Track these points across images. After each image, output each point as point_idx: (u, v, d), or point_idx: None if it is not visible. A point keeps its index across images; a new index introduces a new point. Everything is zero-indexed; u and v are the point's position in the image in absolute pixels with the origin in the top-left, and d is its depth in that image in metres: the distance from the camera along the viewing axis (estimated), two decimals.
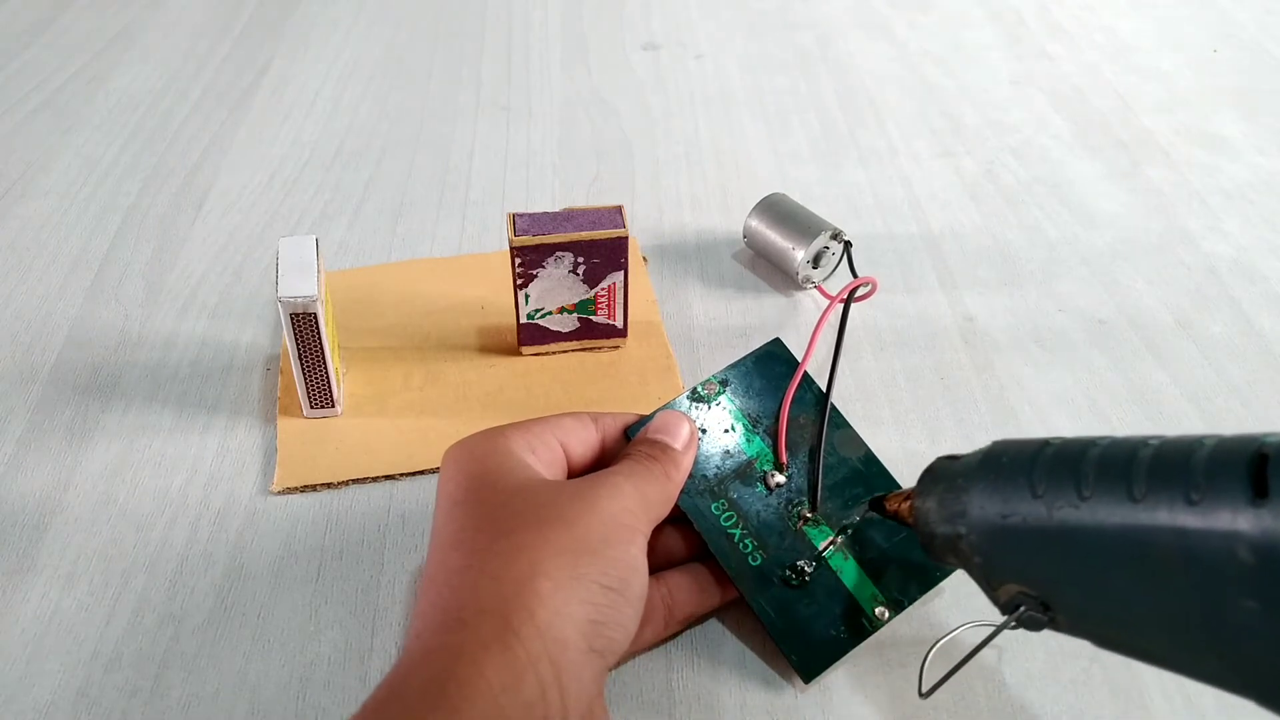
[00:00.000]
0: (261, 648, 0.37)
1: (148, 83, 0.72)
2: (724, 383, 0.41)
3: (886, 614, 0.37)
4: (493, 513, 0.32)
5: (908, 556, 0.38)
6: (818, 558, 0.37)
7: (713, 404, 0.40)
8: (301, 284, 0.42)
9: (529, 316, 0.48)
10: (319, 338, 0.43)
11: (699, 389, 0.40)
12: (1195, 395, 0.48)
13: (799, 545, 0.38)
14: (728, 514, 0.38)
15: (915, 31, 0.80)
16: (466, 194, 0.61)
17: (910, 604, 0.37)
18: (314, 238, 0.44)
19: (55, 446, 0.45)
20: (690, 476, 0.37)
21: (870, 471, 0.40)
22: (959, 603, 0.39)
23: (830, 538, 0.38)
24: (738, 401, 0.40)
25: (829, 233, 0.52)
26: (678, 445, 0.36)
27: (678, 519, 0.38)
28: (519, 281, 0.46)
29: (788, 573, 0.37)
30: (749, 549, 0.37)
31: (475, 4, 0.84)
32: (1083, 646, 0.37)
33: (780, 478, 0.39)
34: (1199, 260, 0.56)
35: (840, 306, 0.48)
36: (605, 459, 0.37)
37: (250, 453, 0.45)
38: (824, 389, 0.41)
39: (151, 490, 0.43)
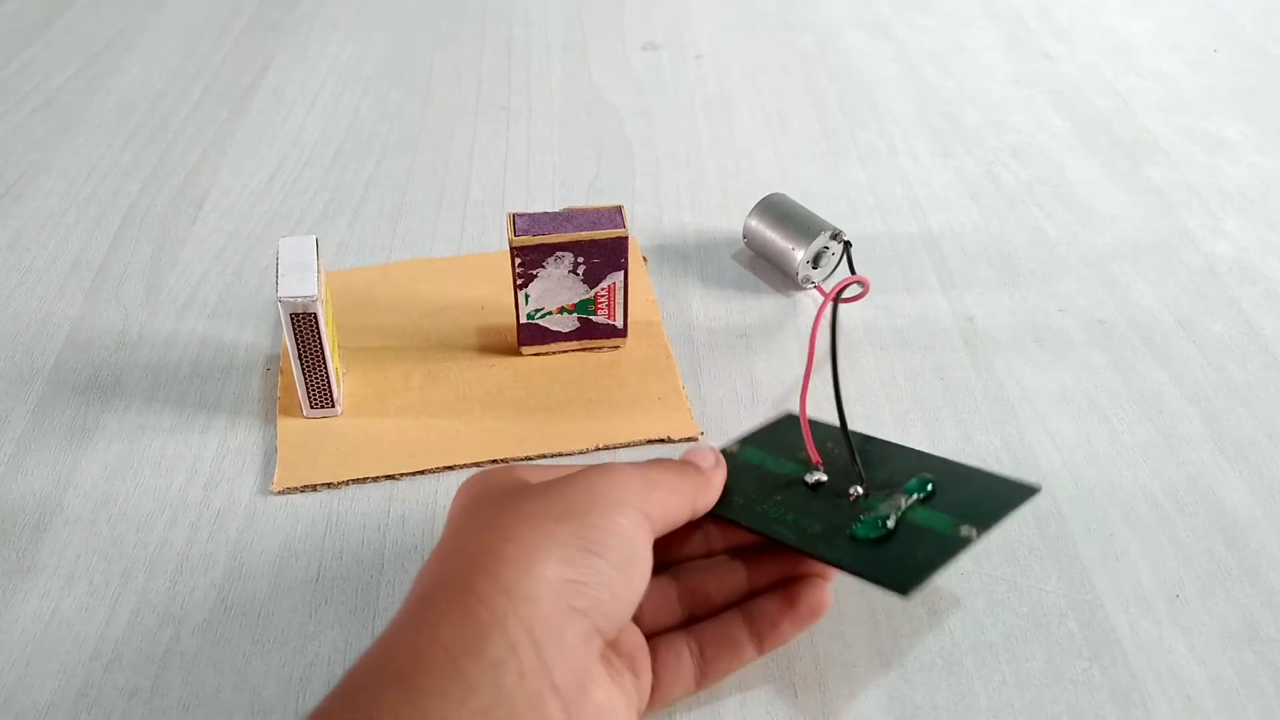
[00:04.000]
0: (261, 648, 0.37)
1: (148, 83, 0.72)
2: (744, 441, 0.41)
3: (975, 532, 0.33)
4: (482, 510, 0.31)
5: (975, 491, 0.36)
6: (896, 514, 0.35)
7: (740, 458, 0.40)
8: (301, 284, 0.42)
9: (529, 316, 0.48)
10: (319, 338, 0.43)
11: (724, 450, 0.40)
12: (1195, 395, 0.48)
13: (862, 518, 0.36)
14: (778, 510, 0.36)
15: (915, 31, 0.80)
16: (466, 194, 0.61)
17: (994, 524, 0.34)
18: (314, 238, 0.44)
19: (55, 446, 0.45)
20: (729, 492, 0.37)
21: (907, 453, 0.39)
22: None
23: (912, 495, 0.35)
24: (759, 452, 0.40)
25: (829, 233, 0.52)
26: (703, 465, 0.35)
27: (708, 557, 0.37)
28: (519, 281, 0.46)
29: (863, 526, 0.34)
30: (814, 528, 0.35)
31: (475, 4, 0.84)
32: (1083, 646, 0.37)
33: (819, 475, 0.38)
34: (1199, 260, 0.56)
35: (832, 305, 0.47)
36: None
37: (250, 453, 0.45)
38: (834, 387, 0.40)
39: (151, 490, 0.43)
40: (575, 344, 0.49)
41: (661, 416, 0.46)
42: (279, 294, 0.41)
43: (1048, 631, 0.37)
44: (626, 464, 0.33)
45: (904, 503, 0.35)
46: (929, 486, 0.36)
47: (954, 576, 0.39)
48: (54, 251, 0.57)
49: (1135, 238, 0.58)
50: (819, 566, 0.36)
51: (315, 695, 0.36)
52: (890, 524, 0.34)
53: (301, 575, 0.40)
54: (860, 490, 0.36)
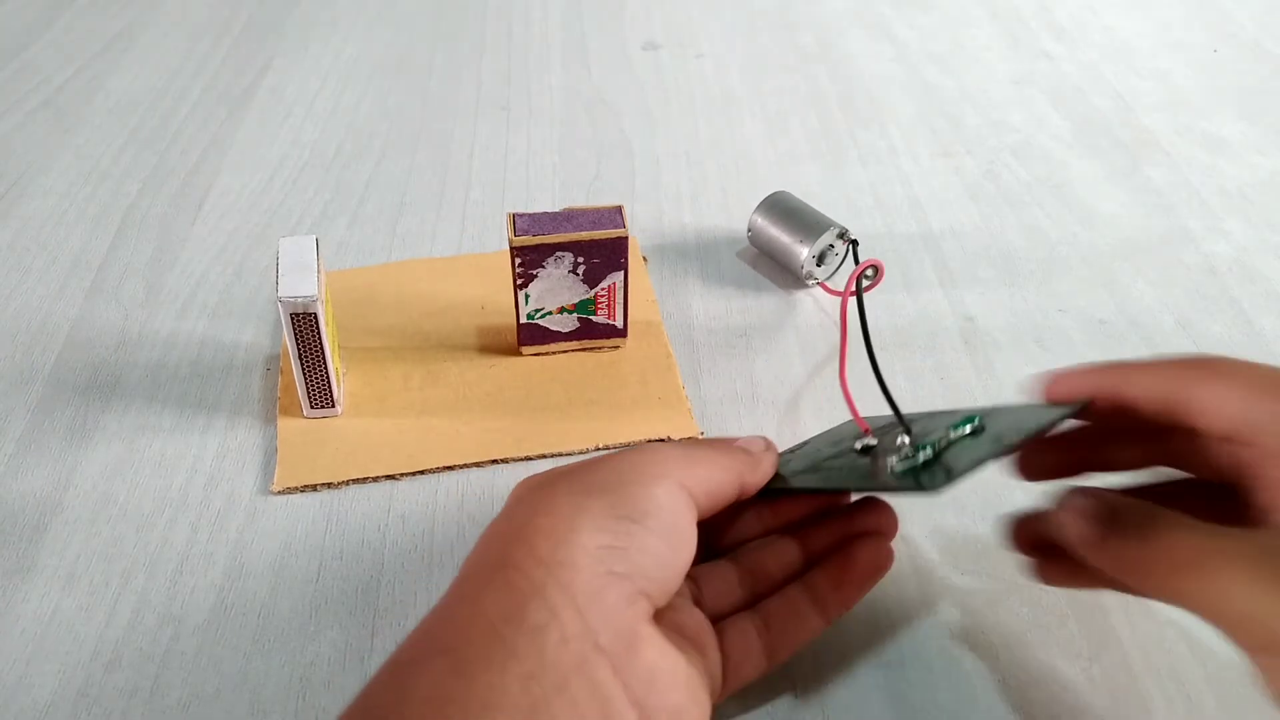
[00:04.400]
0: (261, 648, 0.37)
1: (148, 83, 0.72)
2: (802, 444, 0.41)
3: (1012, 438, 0.31)
4: (524, 496, 0.32)
5: (1017, 416, 0.34)
6: (936, 446, 0.33)
7: (797, 451, 0.39)
8: (302, 284, 0.42)
9: (529, 316, 0.48)
10: (319, 338, 0.43)
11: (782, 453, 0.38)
12: None
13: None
14: (827, 472, 0.36)
15: (915, 31, 0.80)
16: (466, 194, 0.61)
17: (1032, 435, 0.32)
18: (314, 238, 0.44)
19: (55, 446, 0.45)
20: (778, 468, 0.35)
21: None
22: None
23: (959, 429, 0.33)
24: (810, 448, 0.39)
25: (835, 230, 0.52)
26: (753, 450, 0.34)
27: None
28: (519, 281, 0.46)
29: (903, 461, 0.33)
30: (859, 472, 0.34)
31: (475, 4, 0.84)
32: (1083, 646, 0.37)
33: (868, 440, 0.36)
34: (1199, 260, 0.56)
35: (854, 299, 0.48)
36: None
37: (250, 453, 0.45)
38: (868, 353, 0.40)
39: (151, 490, 0.43)
40: (575, 344, 0.49)
41: (662, 416, 0.46)
42: (279, 294, 0.41)
43: (1048, 631, 0.37)
44: (670, 442, 0.33)
45: (951, 435, 0.33)
46: (976, 420, 0.34)
47: (954, 576, 0.39)
48: (54, 251, 0.57)
49: (1135, 238, 0.58)
50: (876, 523, 0.35)
51: (315, 695, 0.36)
52: (929, 452, 0.32)
53: (301, 575, 0.40)
54: (907, 440, 0.34)
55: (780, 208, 0.54)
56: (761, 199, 0.55)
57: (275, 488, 0.43)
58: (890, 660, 0.37)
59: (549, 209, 0.59)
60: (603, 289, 0.47)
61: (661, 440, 0.45)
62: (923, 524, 0.41)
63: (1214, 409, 0.30)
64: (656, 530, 0.30)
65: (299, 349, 0.43)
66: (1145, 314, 0.52)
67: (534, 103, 0.70)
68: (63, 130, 0.67)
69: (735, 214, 0.59)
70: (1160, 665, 0.36)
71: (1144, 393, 0.31)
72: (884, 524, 0.36)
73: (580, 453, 0.45)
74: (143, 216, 0.59)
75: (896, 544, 0.40)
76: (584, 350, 0.49)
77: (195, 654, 0.37)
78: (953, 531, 0.41)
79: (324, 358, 0.44)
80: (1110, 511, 0.29)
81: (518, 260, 0.45)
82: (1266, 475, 0.28)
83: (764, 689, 0.36)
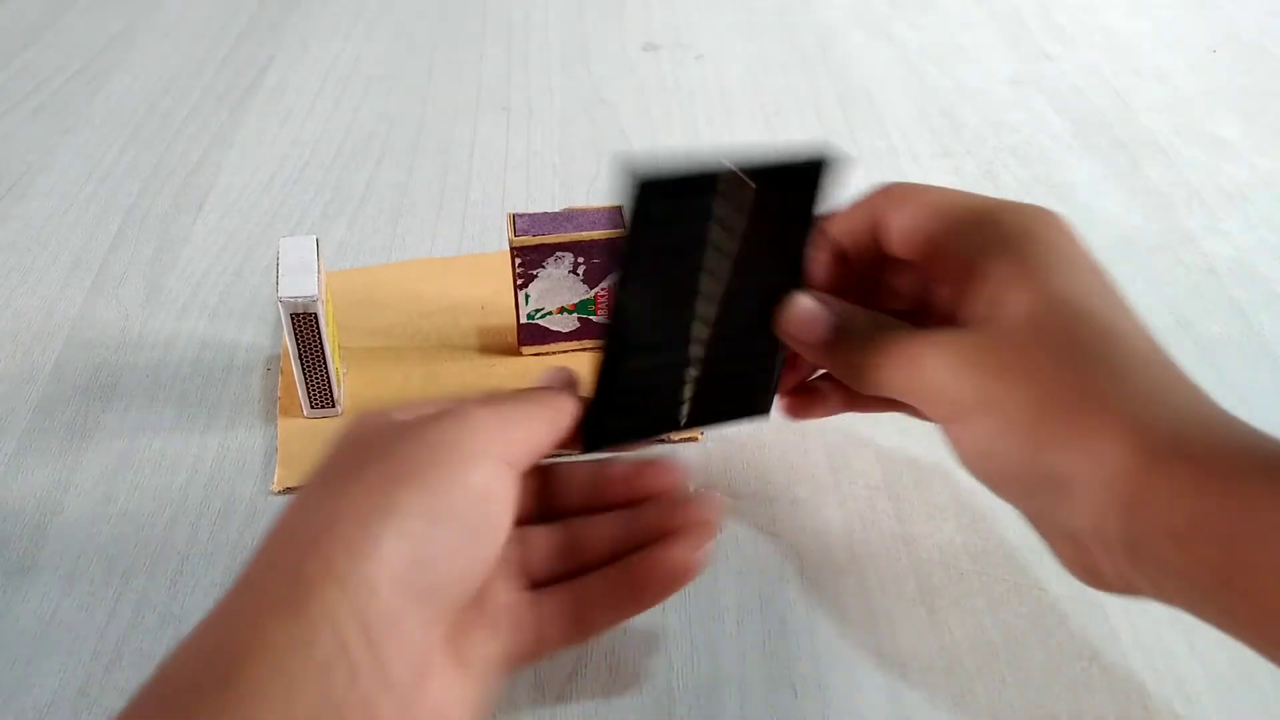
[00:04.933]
0: None
1: (148, 83, 0.72)
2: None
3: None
4: (334, 470, 0.29)
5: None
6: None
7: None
8: (302, 284, 0.42)
9: (529, 316, 0.48)
10: (319, 338, 0.43)
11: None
12: None
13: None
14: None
15: (915, 31, 0.80)
16: (466, 194, 0.61)
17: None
18: (314, 238, 0.44)
19: (55, 446, 0.45)
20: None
21: None
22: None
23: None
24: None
25: None
26: (556, 384, 0.34)
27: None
28: (519, 281, 0.46)
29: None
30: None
31: (475, 4, 0.84)
32: (1083, 646, 0.37)
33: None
34: (1199, 260, 0.56)
35: None
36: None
37: (251, 452, 0.45)
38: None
39: (152, 490, 0.43)
40: (575, 344, 0.49)
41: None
42: (279, 294, 0.41)
43: (1048, 631, 0.37)
44: (482, 403, 0.31)
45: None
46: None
47: (954, 576, 0.39)
48: (54, 251, 0.57)
49: (1135, 238, 0.58)
50: (699, 515, 0.34)
51: None
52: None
53: None
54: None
55: None
56: None
57: (275, 488, 0.43)
58: (890, 660, 0.37)
59: (549, 209, 0.59)
60: (603, 289, 0.47)
61: (658, 439, 0.45)
62: (923, 524, 0.41)
63: (899, 233, 0.34)
64: (464, 530, 0.28)
65: (299, 349, 0.43)
66: (1145, 314, 0.52)
67: (534, 103, 0.70)
68: (63, 130, 0.67)
69: None
70: (1160, 665, 0.36)
71: (849, 233, 0.35)
72: (704, 520, 0.34)
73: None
74: (143, 216, 0.59)
75: (896, 543, 0.40)
76: (584, 350, 0.49)
77: None
78: (952, 532, 0.41)
79: (324, 358, 0.44)
80: (840, 320, 0.33)
81: (518, 260, 0.45)
82: (951, 283, 0.32)
83: (764, 689, 0.36)
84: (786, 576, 0.40)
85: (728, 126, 0.68)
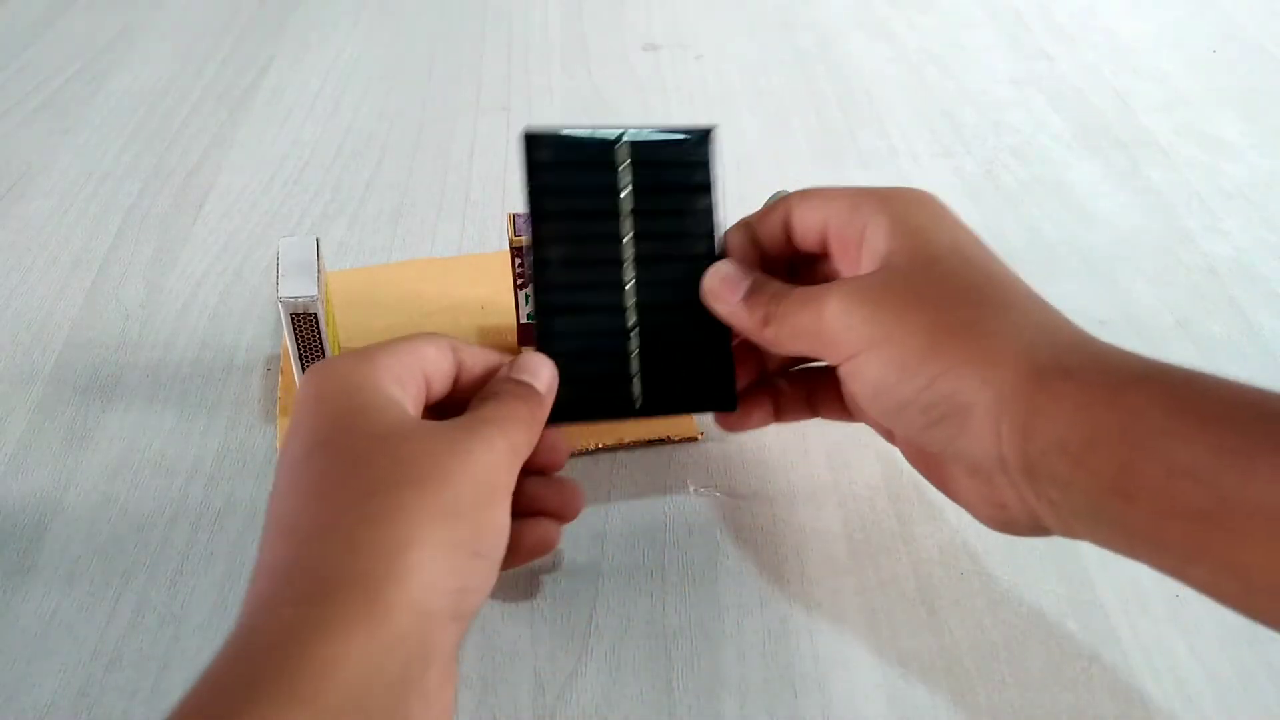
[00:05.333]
0: None
1: (148, 83, 0.72)
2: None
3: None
4: (361, 462, 0.29)
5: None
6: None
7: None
8: (302, 284, 0.42)
9: (529, 316, 0.48)
10: (319, 338, 0.43)
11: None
12: None
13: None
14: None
15: (915, 31, 0.80)
16: (466, 194, 0.61)
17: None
18: (314, 238, 0.44)
19: (55, 446, 0.45)
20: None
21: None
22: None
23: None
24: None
25: None
26: (541, 387, 0.35)
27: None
28: (519, 281, 0.46)
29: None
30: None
31: (475, 4, 0.84)
32: (1082, 646, 0.37)
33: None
34: (1199, 260, 0.56)
35: None
36: (459, 394, 0.35)
37: (251, 453, 0.45)
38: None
39: (152, 490, 0.43)
40: None
41: (661, 416, 0.46)
42: (279, 294, 0.41)
43: (1048, 631, 0.37)
44: (494, 428, 0.32)
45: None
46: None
47: (954, 576, 0.39)
48: (54, 251, 0.57)
49: (1135, 238, 0.58)
50: (558, 502, 0.36)
51: None
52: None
53: None
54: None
55: None
56: (761, 203, 0.55)
57: None
58: (890, 660, 0.37)
59: None
60: None
61: (658, 439, 0.45)
62: (923, 524, 0.41)
63: (801, 227, 0.37)
64: (495, 563, 0.31)
65: (299, 349, 0.43)
66: (1145, 314, 0.52)
67: (534, 103, 0.70)
68: (63, 130, 0.67)
69: (734, 214, 0.59)
70: (1160, 665, 0.36)
71: (766, 235, 0.38)
72: (564, 507, 0.37)
73: (580, 453, 0.45)
74: (143, 217, 0.59)
75: (896, 543, 0.40)
76: None
77: (196, 654, 0.37)
78: (952, 532, 0.41)
79: (324, 358, 0.44)
80: (755, 282, 0.36)
81: (518, 260, 0.45)
82: (848, 260, 0.35)
83: (764, 689, 0.36)
84: (786, 576, 0.40)
85: (728, 126, 0.68)
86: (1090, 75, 0.74)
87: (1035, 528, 0.31)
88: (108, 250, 0.57)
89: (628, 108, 0.70)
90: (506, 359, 0.36)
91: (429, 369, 0.34)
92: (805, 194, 0.37)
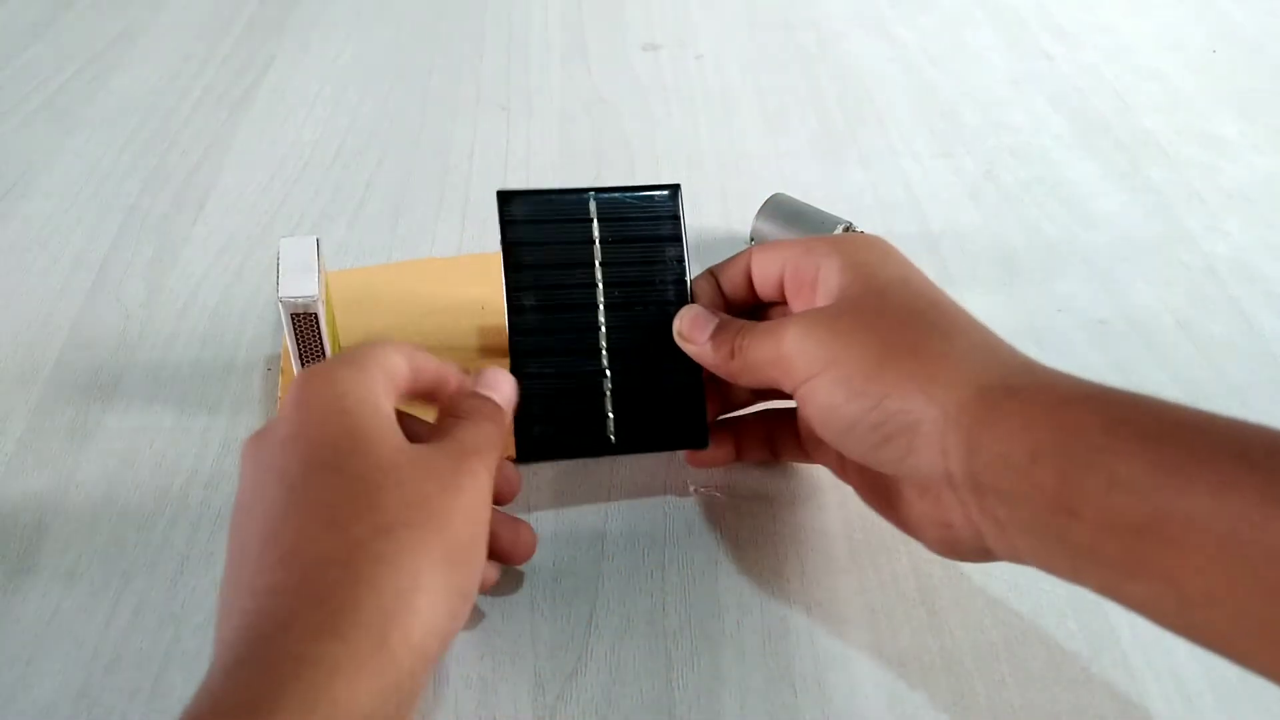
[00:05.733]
0: None
1: (148, 83, 0.72)
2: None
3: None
4: (372, 493, 0.30)
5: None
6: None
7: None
8: (302, 284, 0.42)
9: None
10: (319, 338, 0.43)
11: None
12: (1195, 395, 0.48)
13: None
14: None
15: (915, 31, 0.80)
16: (466, 194, 0.61)
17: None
18: (315, 238, 0.44)
19: (55, 446, 0.45)
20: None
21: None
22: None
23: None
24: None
25: (842, 225, 0.52)
26: (504, 403, 0.36)
27: None
28: None
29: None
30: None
31: (475, 4, 0.84)
32: (1082, 646, 0.37)
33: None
34: (1199, 260, 0.56)
35: None
36: (410, 399, 0.36)
37: None
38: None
39: (152, 490, 0.43)
40: None
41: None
42: (279, 294, 0.41)
43: (1048, 631, 0.37)
44: (477, 460, 0.32)
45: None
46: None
47: (954, 576, 0.39)
48: (54, 251, 0.57)
49: (1135, 238, 0.58)
50: (511, 538, 0.37)
51: None
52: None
53: None
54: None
55: (783, 210, 0.54)
56: (761, 203, 0.55)
57: None
58: (890, 660, 0.37)
59: None
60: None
61: None
62: None
63: (760, 278, 0.39)
64: (475, 591, 0.32)
65: (299, 349, 0.43)
66: (1144, 314, 0.52)
67: (534, 103, 0.70)
68: (63, 130, 0.67)
69: (735, 214, 0.59)
70: (1160, 665, 0.36)
71: (729, 283, 0.40)
72: (514, 546, 0.38)
73: None
74: (143, 217, 0.59)
75: (896, 543, 0.40)
76: None
77: (196, 654, 0.37)
78: None
79: (324, 358, 0.44)
80: (722, 321, 0.38)
81: None
82: (804, 301, 0.37)
83: (764, 688, 0.36)
84: (786, 576, 0.40)
85: (727, 126, 0.68)
86: (1090, 75, 0.74)
87: (979, 550, 0.32)
88: (108, 250, 0.57)
89: (628, 107, 0.70)
90: (452, 368, 0.37)
91: (398, 379, 0.34)
92: (764, 246, 0.39)
